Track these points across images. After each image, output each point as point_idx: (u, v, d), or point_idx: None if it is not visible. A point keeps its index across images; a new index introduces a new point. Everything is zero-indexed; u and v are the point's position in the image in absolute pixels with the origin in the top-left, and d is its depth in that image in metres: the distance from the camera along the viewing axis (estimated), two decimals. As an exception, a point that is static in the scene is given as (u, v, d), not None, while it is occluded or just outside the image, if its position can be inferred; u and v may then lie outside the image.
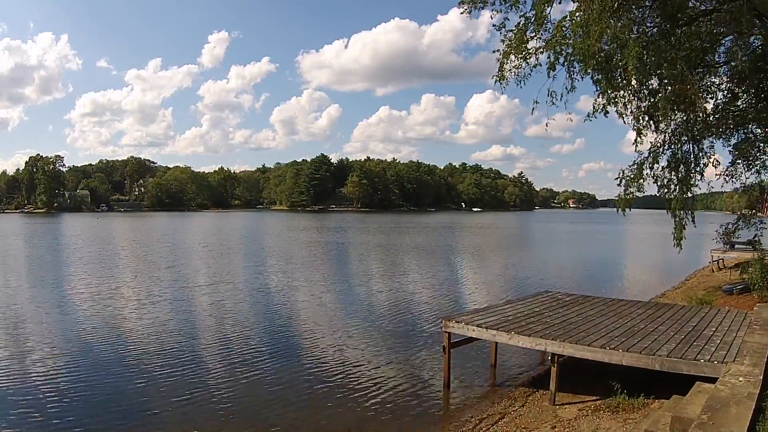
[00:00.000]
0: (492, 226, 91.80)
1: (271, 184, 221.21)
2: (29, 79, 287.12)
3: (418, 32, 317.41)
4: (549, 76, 14.79)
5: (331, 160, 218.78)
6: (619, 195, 18.44)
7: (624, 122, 17.92)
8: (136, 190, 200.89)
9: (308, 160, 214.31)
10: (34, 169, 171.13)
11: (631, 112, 19.38)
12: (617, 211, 18.89)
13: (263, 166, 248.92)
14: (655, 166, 17.48)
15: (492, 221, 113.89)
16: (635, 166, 17.92)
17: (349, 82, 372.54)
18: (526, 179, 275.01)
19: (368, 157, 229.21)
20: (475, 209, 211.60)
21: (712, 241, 24.94)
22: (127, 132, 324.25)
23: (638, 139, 18.54)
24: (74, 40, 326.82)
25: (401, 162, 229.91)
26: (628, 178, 18.02)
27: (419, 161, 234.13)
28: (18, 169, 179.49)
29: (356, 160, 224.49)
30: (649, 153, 17.55)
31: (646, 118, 19.07)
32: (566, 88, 15.01)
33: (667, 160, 17.91)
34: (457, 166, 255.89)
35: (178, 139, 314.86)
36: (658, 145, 17.80)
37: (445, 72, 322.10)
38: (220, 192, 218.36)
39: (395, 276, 27.07)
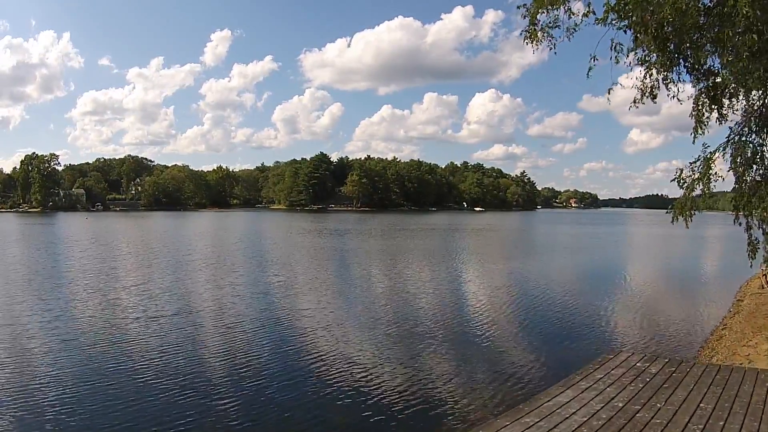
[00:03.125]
0: (499, 229, 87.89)
1: (269, 183, 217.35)
2: (31, 77, 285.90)
3: (421, 31, 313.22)
4: (607, 23, 11.29)
5: (331, 159, 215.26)
6: (679, 200, 14.82)
7: (679, 102, 14.56)
8: (133, 189, 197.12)
9: (307, 158, 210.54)
10: (30, 168, 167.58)
11: (692, 96, 15.82)
12: (672, 220, 15.16)
13: (262, 164, 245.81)
14: (738, 159, 13.73)
15: (497, 222, 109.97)
16: (700, 162, 14.23)
17: (351, 81, 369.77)
18: (528, 178, 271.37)
19: (368, 156, 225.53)
20: (477, 209, 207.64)
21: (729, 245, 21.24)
22: (129, 131, 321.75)
23: (698, 128, 14.97)
24: (76, 38, 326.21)
25: (402, 161, 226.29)
26: (690, 178, 14.35)
27: (420, 160, 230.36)
28: (15, 168, 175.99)
29: (356, 159, 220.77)
30: (728, 142, 13.80)
31: (707, 102, 15.49)
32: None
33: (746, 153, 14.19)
34: (459, 165, 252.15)
35: (179, 138, 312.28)
36: (739, 133, 14.07)
37: (447, 71, 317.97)
38: (218, 191, 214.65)
39: (397, 307, 21.35)
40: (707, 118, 15.05)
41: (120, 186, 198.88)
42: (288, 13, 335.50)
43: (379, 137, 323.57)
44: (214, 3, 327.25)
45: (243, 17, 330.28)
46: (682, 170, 14.55)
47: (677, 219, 14.82)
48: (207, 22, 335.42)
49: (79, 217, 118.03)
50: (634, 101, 14.91)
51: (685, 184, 14.32)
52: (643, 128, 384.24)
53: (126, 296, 21.87)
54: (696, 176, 14.27)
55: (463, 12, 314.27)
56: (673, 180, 14.65)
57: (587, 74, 11.79)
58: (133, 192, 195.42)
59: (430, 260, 37.38)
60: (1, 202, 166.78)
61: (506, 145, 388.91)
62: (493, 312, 19.56)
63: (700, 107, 15.32)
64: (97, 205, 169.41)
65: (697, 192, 14.16)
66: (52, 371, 12.40)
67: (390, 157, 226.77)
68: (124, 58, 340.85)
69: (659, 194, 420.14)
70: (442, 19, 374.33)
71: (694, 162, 14.46)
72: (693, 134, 14.81)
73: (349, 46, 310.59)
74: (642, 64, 14.49)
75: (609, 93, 12.08)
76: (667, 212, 15.07)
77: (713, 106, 15.26)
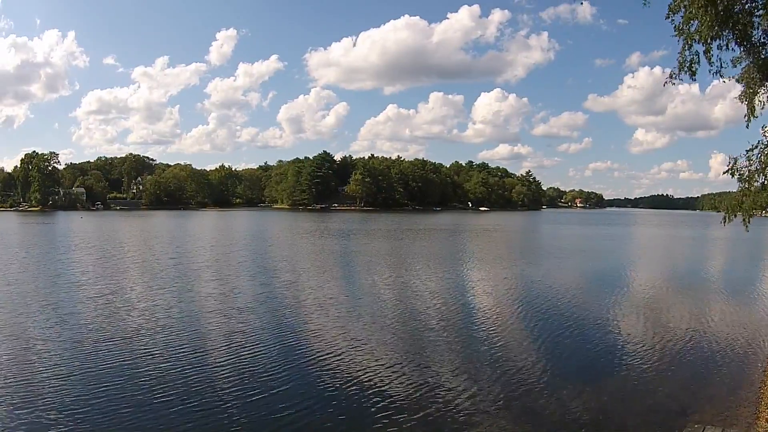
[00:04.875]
0: (507, 229, 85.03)
1: (272, 182, 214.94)
2: (35, 76, 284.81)
3: (427, 30, 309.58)
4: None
5: (334, 158, 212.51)
6: (733, 195, 12.19)
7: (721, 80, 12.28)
8: (134, 188, 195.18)
9: (310, 157, 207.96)
10: (29, 167, 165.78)
11: (741, 73, 13.35)
12: (724, 221, 12.51)
13: (265, 163, 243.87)
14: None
15: (504, 222, 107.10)
16: (758, 149, 11.61)
17: (356, 80, 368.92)
18: (534, 178, 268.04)
19: (372, 155, 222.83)
20: (482, 208, 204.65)
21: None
22: (134, 130, 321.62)
23: (752, 110, 12.48)
24: (81, 37, 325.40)
25: (406, 160, 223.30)
26: (747, 168, 11.71)
27: (425, 159, 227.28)
28: (16, 167, 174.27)
29: (360, 158, 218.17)
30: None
31: (758, 78, 13.03)
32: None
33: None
34: (464, 165, 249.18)
35: (184, 137, 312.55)
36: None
37: (453, 70, 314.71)
38: (221, 190, 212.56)
39: (406, 325, 18.33)
40: (757, 101, 12.60)
41: (121, 185, 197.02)
42: (293, 12, 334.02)
43: (384, 137, 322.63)
44: (219, 2, 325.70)
45: (248, 16, 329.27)
46: (736, 159, 11.96)
47: (730, 219, 12.22)
48: (212, 21, 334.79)
49: (74, 216, 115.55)
50: (671, 76, 12.55)
51: (742, 176, 11.76)
52: (648, 128, 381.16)
53: (84, 308, 19.38)
54: (755, 167, 11.69)
55: (469, 11, 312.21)
56: (726, 172, 12.04)
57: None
58: (134, 191, 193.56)
59: (440, 265, 34.22)
60: (2, 201, 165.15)
61: (512, 145, 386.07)
62: (514, 344, 16.06)
63: (750, 84, 12.81)
64: (97, 204, 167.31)
65: (758, 184, 11.61)
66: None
67: (394, 157, 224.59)
68: (129, 57, 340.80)
69: (664, 194, 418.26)
70: (448, 18, 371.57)
71: (751, 150, 11.88)
72: (747, 118, 12.31)
73: (354, 45, 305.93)
74: (680, 35, 12.10)
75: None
76: (719, 211, 12.53)
77: (764, 86, 12.77)
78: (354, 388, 11.66)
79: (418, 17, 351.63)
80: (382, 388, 11.62)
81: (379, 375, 12.48)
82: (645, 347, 15.37)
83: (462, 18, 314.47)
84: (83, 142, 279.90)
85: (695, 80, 12.38)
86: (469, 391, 11.56)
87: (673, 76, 12.30)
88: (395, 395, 11.26)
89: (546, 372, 13.05)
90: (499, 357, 14.22)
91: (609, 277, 30.59)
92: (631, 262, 40.79)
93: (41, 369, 12.46)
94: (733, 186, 12.87)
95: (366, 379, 12.16)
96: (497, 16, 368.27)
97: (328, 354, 14.04)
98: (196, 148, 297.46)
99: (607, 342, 16.05)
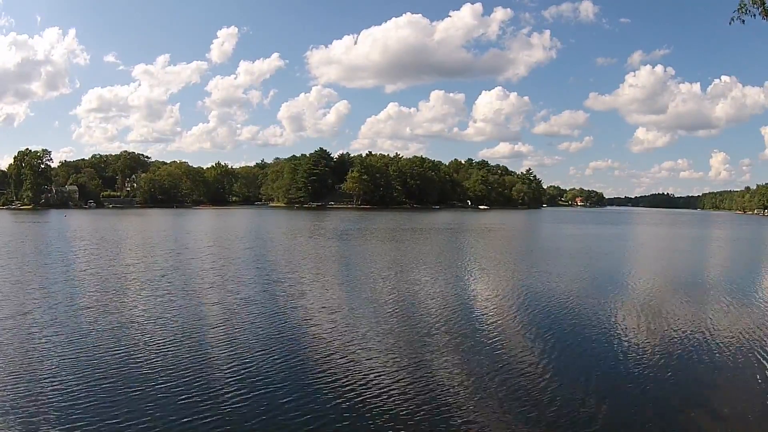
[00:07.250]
0: (511, 228, 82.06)
1: (269, 180, 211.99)
2: (36, 74, 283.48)
3: (429, 28, 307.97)
4: None
5: (331, 155, 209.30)
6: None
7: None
8: (129, 185, 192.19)
9: (307, 154, 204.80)
10: (22, 165, 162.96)
11: None
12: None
13: (262, 161, 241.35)
14: None
15: (506, 221, 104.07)
16: None
17: (358, 78, 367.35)
18: (534, 176, 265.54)
19: (370, 152, 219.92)
20: (481, 207, 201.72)
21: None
22: (134, 128, 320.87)
23: None
24: (82, 34, 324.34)
25: (404, 157, 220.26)
26: None
27: (423, 156, 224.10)
28: (9, 165, 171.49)
29: (357, 155, 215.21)
30: None
31: None
32: None
33: None
34: (463, 162, 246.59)
35: (185, 135, 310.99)
36: None
37: (454, 69, 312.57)
38: (216, 188, 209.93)
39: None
40: None
41: (115, 183, 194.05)
42: (295, 10, 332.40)
43: (385, 135, 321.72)
44: (220, 0, 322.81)
45: (250, 14, 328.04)
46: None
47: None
48: (214, 19, 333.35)
49: (63, 215, 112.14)
50: (739, 9, 10.09)
51: None
52: (649, 127, 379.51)
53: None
54: None
55: (471, 9, 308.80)
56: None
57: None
58: (128, 189, 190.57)
59: (446, 270, 30.26)
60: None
61: (512, 144, 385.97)
62: (522, 349, 14.18)
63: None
64: (90, 203, 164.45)
65: None
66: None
67: (393, 155, 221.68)
68: (130, 54, 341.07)
69: (665, 193, 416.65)
70: (450, 16, 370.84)
71: None
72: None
73: (356, 43, 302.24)
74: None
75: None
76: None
77: None
78: (355, 389, 11.21)
79: (419, 15, 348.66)
80: (384, 392, 11.16)
81: (380, 378, 11.96)
82: (658, 353, 13.91)
83: (464, 16, 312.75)
84: (83, 140, 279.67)
85: (766, 19, 9.98)
86: (471, 394, 11.18)
87: (741, 9, 9.97)
88: (397, 398, 10.86)
89: (552, 376, 12.17)
90: (505, 360, 13.40)
91: (625, 281, 27.58)
92: (647, 265, 37.82)
93: (32, 376, 11.74)
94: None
95: (367, 382, 11.68)
96: (499, 14, 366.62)
97: (327, 356, 13.47)
98: (196, 146, 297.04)
99: (621, 348, 14.42)
